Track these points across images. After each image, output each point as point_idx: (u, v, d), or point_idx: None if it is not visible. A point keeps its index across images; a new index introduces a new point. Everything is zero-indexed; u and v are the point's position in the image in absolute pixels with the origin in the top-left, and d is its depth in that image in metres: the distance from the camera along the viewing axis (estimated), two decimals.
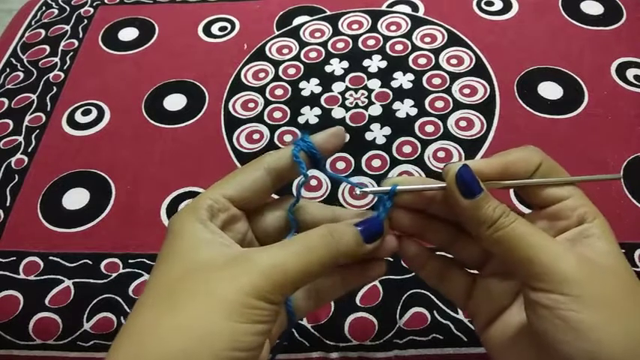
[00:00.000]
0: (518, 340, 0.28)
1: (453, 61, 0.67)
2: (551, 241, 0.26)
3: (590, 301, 0.24)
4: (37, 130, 0.65)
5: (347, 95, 0.65)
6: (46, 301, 0.51)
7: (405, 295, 0.49)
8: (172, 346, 0.23)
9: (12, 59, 0.74)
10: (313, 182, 0.57)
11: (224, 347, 0.23)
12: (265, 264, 0.25)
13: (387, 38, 0.71)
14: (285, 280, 0.25)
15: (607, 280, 0.25)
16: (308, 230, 0.27)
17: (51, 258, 0.54)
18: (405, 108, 0.63)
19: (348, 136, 0.61)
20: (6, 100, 0.69)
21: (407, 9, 0.74)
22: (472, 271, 0.32)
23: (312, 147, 0.30)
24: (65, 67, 0.72)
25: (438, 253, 0.32)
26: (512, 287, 0.30)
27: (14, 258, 0.54)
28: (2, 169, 0.62)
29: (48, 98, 0.68)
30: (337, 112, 0.63)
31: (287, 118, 0.63)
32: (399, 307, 0.48)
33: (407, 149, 0.59)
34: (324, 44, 0.71)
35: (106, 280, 0.52)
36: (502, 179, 0.29)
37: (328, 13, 0.75)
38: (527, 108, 0.62)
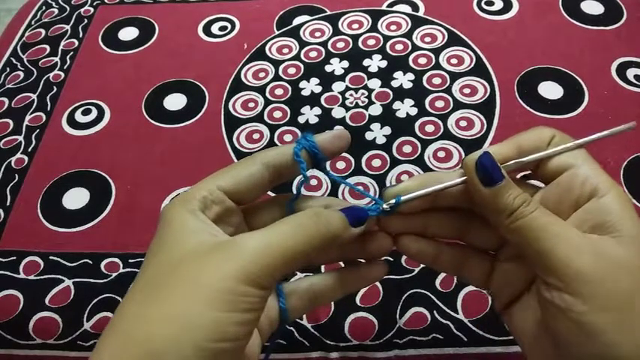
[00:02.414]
0: (536, 323, 0.28)
1: (453, 61, 0.67)
2: (569, 234, 0.25)
3: (602, 302, 0.24)
4: (37, 130, 0.65)
5: (347, 95, 0.65)
6: (46, 301, 0.51)
7: (405, 295, 0.49)
8: (157, 335, 0.22)
9: (12, 59, 0.74)
10: (313, 182, 0.57)
11: (207, 338, 0.22)
12: (253, 247, 0.24)
13: (387, 38, 0.71)
14: (275, 262, 0.24)
15: (622, 278, 0.24)
16: (296, 213, 0.27)
17: (51, 258, 0.54)
18: (405, 108, 0.63)
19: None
20: (6, 100, 0.69)
21: (407, 9, 0.74)
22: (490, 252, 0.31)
23: (314, 146, 0.29)
24: (65, 67, 0.72)
25: (449, 242, 0.31)
26: (528, 272, 0.29)
27: (14, 258, 0.54)
28: (2, 168, 0.62)
29: (48, 98, 0.68)
30: (337, 112, 0.63)
31: (287, 118, 0.63)
32: (399, 307, 0.48)
33: (407, 149, 0.59)
34: (324, 44, 0.71)
35: (106, 280, 0.52)
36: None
37: (328, 12, 0.75)
38: (528, 108, 0.62)
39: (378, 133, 0.61)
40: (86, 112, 0.66)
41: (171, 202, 0.27)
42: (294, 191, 0.31)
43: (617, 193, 0.26)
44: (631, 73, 0.64)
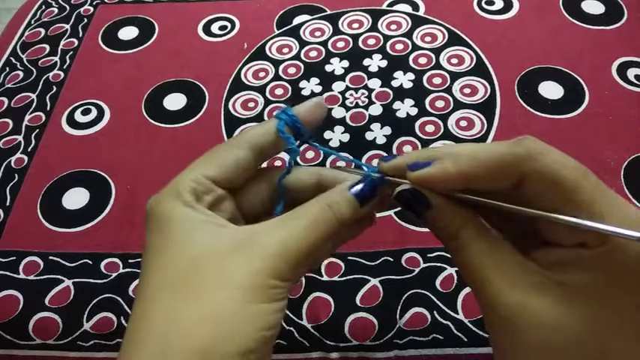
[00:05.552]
0: None
1: (454, 61, 0.67)
2: (493, 280, 0.24)
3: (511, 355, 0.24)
4: (37, 130, 0.65)
5: (347, 95, 0.65)
6: (46, 301, 0.51)
7: (405, 296, 0.49)
8: (201, 337, 0.22)
9: (11, 58, 0.74)
10: None
11: (255, 329, 0.23)
12: (276, 245, 0.24)
13: (387, 37, 0.70)
14: (298, 258, 0.25)
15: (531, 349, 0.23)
16: (306, 203, 0.26)
17: (51, 258, 0.54)
18: (405, 108, 0.63)
19: (343, 129, 0.61)
20: (6, 100, 0.69)
21: (407, 8, 0.74)
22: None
23: (296, 121, 0.28)
24: (65, 67, 0.72)
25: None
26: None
27: (14, 258, 0.54)
28: (2, 168, 0.62)
29: (48, 97, 0.68)
30: (337, 112, 0.63)
31: None
32: (399, 307, 0.48)
33: (407, 149, 0.59)
34: (324, 43, 0.71)
35: (106, 280, 0.52)
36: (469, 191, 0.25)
37: (328, 12, 0.75)
38: (528, 108, 0.61)
39: (378, 133, 0.61)
40: (86, 112, 0.66)
41: (159, 197, 0.27)
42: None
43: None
44: (631, 73, 0.63)
